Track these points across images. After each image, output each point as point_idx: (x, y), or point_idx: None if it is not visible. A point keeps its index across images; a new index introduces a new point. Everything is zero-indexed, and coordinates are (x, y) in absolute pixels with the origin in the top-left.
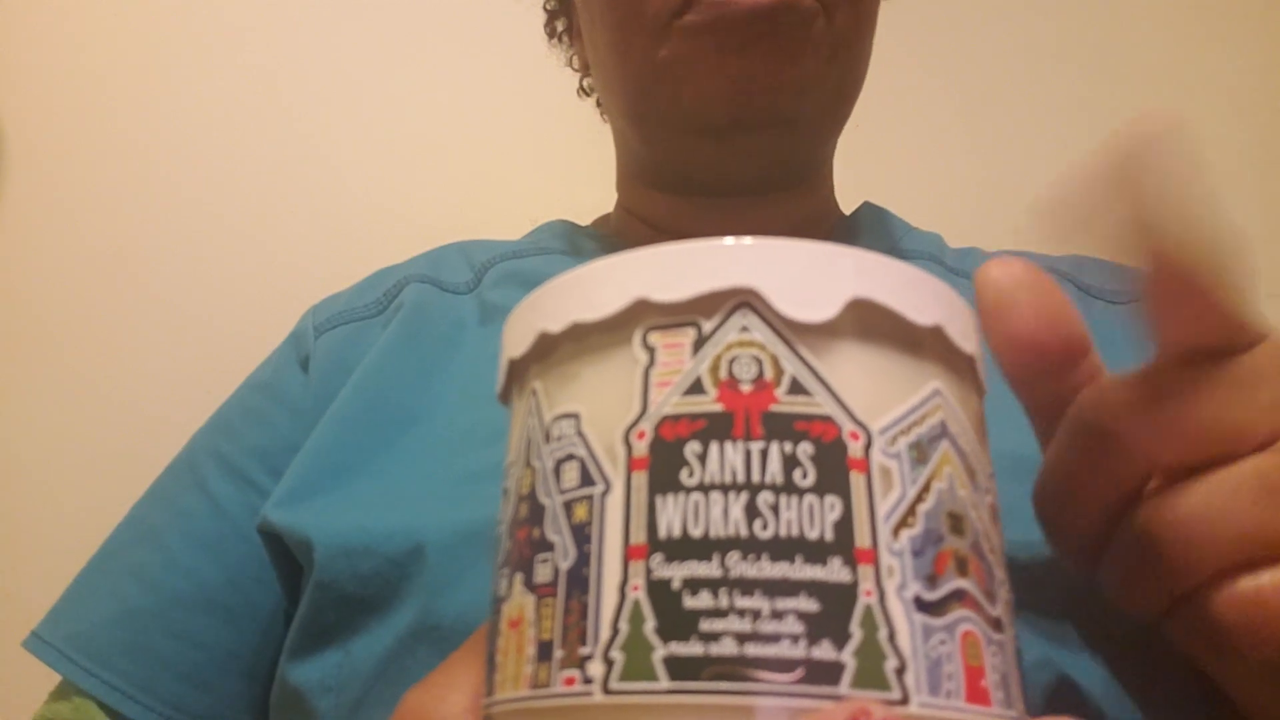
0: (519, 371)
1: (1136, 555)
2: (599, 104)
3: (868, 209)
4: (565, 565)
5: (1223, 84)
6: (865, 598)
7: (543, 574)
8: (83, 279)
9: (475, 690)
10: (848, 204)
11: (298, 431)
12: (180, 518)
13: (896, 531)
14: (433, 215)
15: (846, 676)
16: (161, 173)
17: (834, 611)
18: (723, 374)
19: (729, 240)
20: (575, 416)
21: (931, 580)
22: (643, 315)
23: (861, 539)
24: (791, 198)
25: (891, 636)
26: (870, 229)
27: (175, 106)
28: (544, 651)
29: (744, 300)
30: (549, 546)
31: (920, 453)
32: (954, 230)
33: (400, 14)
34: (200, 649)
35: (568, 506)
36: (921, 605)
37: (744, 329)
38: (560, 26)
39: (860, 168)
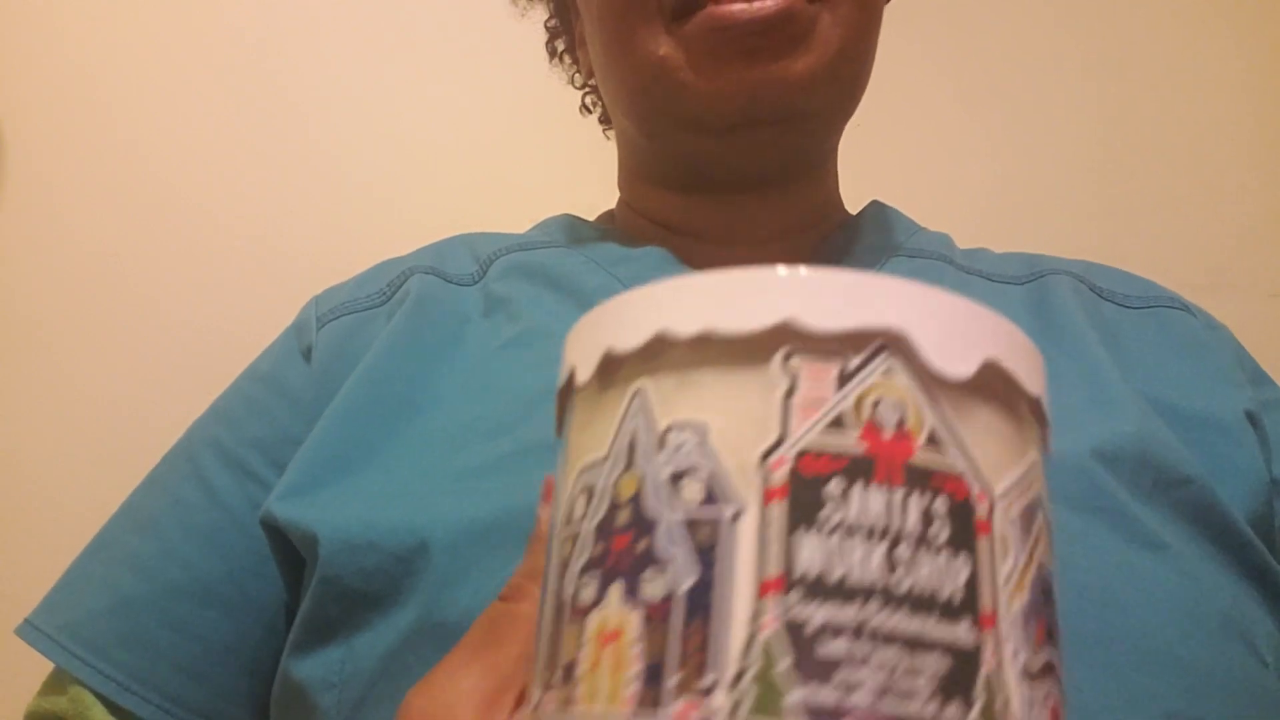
0: (616, 364)
1: None
2: (601, 120)
3: (874, 208)
4: (683, 587)
5: (1224, 84)
6: (987, 662)
7: (652, 590)
8: (81, 278)
9: (483, 696)
10: (855, 203)
11: (298, 423)
12: (178, 508)
13: (1011, 599)
14: (434, 213)
15: None
16: (161, 171)
17: (962, 674)
18: (866, 415)
19: (881, 277)
20: (701, 428)
21: (1034, 649)
22: (787, 337)
23: (985, 603)
24: (796, 192)
25: (1006, 705)
26: (876, 228)
27: (175, 105)
28: (653, 673)
29: (891, 342)
30: (659, 562)
31: (1026, 521)
32: (962, 230)
33: (402, 10)
34: (198, 641)
35: (690, 525)
36: (1027, 674)
37: (888, 371)
38: (560, 46)
39: (868, 167)
